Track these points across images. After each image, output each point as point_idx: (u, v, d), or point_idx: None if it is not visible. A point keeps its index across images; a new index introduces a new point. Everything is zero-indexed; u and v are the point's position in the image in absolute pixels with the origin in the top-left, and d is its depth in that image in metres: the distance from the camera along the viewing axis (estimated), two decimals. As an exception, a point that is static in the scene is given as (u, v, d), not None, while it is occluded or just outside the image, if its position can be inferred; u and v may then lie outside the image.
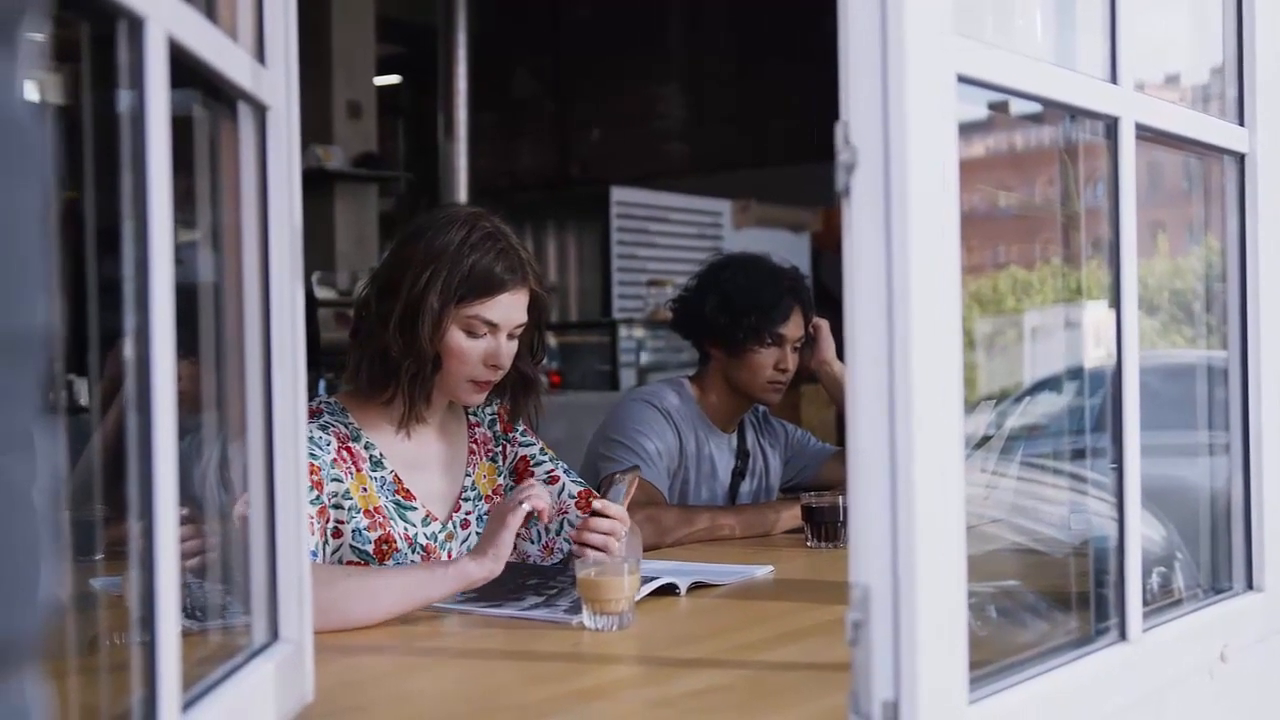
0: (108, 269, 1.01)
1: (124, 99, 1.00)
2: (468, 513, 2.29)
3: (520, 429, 2.39)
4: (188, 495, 1.05)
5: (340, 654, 1.69)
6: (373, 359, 2.17)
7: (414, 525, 2.19)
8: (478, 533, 2.27)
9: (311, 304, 5.01)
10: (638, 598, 1.92)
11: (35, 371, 0.53)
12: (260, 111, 1.33)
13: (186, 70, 1.09)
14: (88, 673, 1.17)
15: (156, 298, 0.99)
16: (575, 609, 1.89)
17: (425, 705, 1.56)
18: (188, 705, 1.08)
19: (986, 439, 2.36)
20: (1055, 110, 1.60)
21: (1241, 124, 1.79)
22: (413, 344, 2.13)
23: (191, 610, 1.30)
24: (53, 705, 0.64)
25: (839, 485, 2.97)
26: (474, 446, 2.34)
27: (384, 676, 1.66)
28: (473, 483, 2.31)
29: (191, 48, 1.09)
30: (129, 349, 0.99)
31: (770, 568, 2.33)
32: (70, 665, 1.10)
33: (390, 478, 2.19)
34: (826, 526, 2.62)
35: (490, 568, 1.91)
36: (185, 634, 1.05)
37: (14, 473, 0.52)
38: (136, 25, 0.98)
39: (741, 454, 3.10)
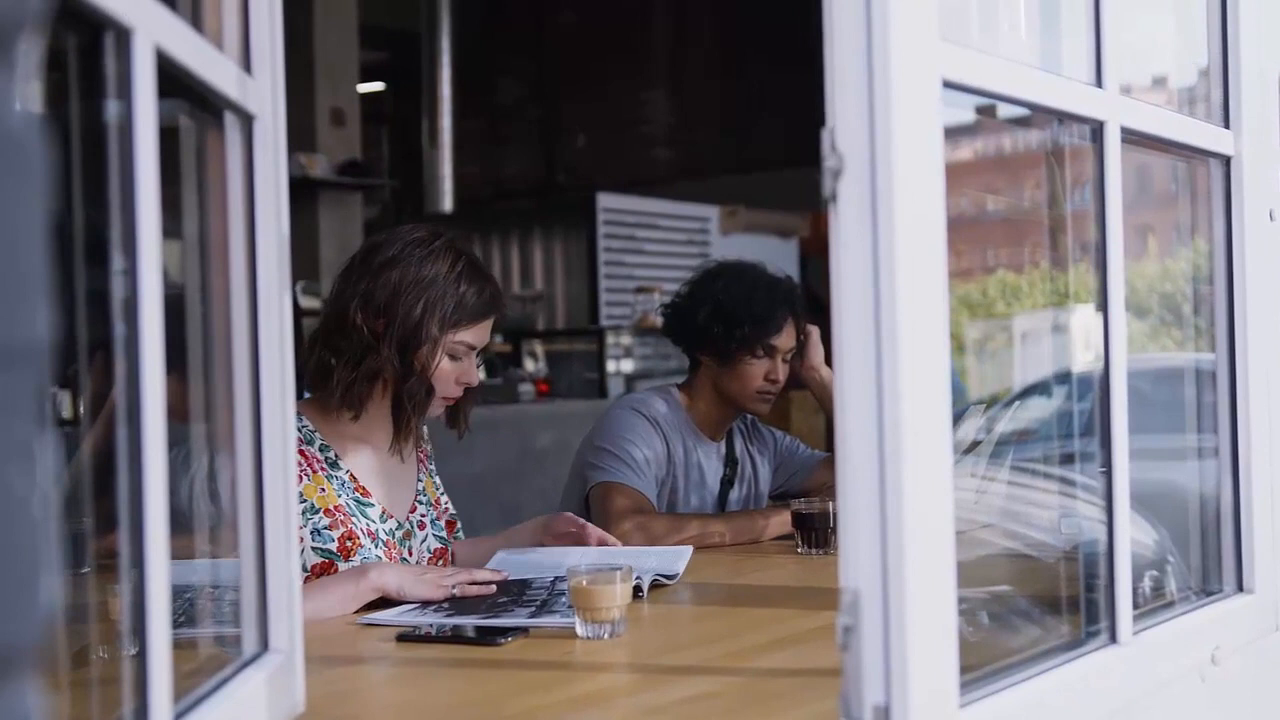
0: (92, 279, 1.01)
1: (111, 109, 1.00)
2: (422, 515, 2.39)
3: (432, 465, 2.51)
4: (175, 508, 1.05)
5: (330, 665, 1.68)
6: (360, 379, 2.23)
7: (374, 521, 2.27)
8: (434, 534, 2.39)
9: (296, 314, 4.99)
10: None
11: (36, 382, 0.54)
12: (247, 121, 1.33)
13: (172, 80, 1.09)
14: (77, 685, 1.16)
15: (145, 308, 0.99)
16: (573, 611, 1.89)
17: (416, 715, 1.56)
18: (179, 716, 1.07)
19: (976, 444, 2.36)
20: (1042, 114, 1.61)
21: (1227, 127, 1.80)
22: (410, 369, 2.22)
23: (178, 620, 1.29)
24: (52, 714, 0.64)
25: (828, 491, 2.97)
26: (421, 456, 2.45)
27: (374, 687, 1.66)
28: (423, 488, 2.42)
29: (178, 58, 1.09)
30: (119, 360, 0.98)
31: (689, 548, 2.40)
32: (61, 678, 1.10)
33: (347, 477, 2.27)
34: (817, 532, 2.62)
35: (394, 581, 2.06)
36: (174, 644, 1.04)
37: (15, 483, 0.52)
38: (124, 36, 0.98)
39: (730, 461, 3.10)
